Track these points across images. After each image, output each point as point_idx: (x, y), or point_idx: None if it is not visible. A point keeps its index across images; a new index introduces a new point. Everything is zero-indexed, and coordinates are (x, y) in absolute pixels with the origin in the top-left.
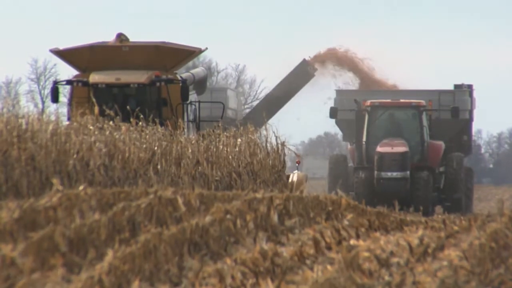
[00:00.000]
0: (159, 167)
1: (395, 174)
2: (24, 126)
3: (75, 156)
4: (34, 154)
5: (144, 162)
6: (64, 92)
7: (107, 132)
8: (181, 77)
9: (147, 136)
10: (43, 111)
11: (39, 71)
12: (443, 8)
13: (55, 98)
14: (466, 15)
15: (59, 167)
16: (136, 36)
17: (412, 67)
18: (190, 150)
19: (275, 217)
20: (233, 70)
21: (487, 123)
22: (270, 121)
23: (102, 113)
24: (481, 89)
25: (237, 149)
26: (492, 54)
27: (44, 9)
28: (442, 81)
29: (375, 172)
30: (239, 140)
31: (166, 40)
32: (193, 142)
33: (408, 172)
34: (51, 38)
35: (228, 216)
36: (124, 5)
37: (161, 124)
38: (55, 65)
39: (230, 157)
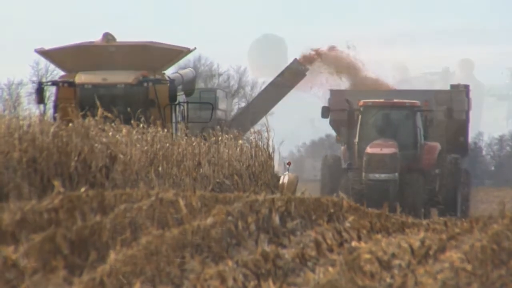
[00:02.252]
0: (160, 169)
1: (383, 176)
2: (25, 128)
3: (76, 158)
4: (35, 156)
5: (146, 164)
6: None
7: (110, 134)
8: (169, 77)
9: (148, 138)
10: (44, 113)
11: (41, 73)
12: (444, 8)
13: (40, 99)
14: (468, 15)
15: (61, 169)
16: (134, 37)
17: (411, 67)
18: (191, 152)
19: (276, 219)
20: (234, 72)
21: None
22: (262, 121)
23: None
24: None
25: (238, 151)
26: (494, 56)
27: (46, 11)
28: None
29: (363, 174)
30: (240, 141)
31: (163, 41)
32: (194, 144)
33: (396, 174)
34: (53, 40)
35: (230, 218)
36: (124, 5)
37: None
38: None
39: (232, 159)
